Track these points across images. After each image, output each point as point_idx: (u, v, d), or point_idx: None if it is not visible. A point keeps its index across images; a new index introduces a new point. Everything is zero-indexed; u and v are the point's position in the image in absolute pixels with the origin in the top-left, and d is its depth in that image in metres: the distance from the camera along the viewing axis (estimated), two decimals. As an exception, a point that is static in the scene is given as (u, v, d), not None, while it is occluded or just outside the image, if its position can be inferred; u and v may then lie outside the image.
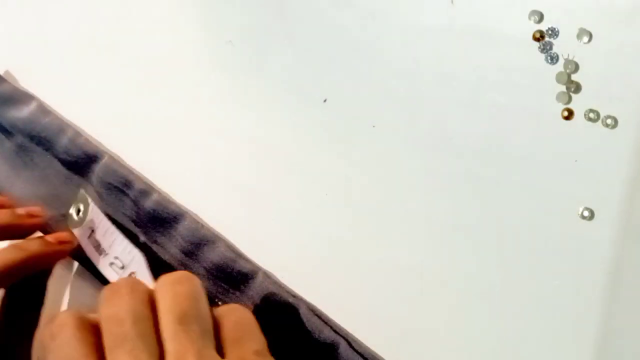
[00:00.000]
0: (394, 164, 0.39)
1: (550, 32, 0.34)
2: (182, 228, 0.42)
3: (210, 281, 0.41)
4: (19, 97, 0.49)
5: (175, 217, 0.43)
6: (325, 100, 0.40)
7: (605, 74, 0.33)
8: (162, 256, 0.43)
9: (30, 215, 0.45)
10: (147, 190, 0.44)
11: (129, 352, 0.32)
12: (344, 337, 0.37)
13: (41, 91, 0.50)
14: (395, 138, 0.39)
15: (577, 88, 0.34)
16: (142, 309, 0.34)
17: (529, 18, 0.35)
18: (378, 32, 0.39)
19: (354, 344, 0.37)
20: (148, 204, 0.43)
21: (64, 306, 0.46)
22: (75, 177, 0.47)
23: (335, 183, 0.40)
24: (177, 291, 0.35)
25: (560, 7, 0.34)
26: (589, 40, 0.34)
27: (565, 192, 0.35)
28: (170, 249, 0.43)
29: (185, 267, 0.42)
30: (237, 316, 0.36)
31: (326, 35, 0.40)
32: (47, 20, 0.51)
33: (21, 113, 0.48)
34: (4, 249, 0.43)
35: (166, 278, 0.35)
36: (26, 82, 0.51)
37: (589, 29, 0.34)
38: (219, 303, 0.41)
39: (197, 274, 0.40)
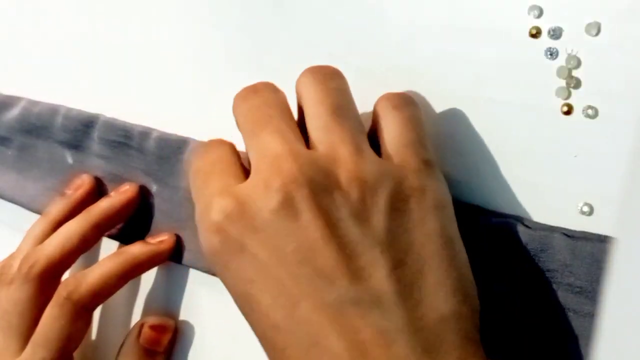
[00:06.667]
0: (394, 158, 0.39)
1: (551, 32, 0.34)
2: (189, 154, 0.43)
3: None
4: (6, 101, 0.51)
5: (179, 147, 0.43)
6: (323, 94, 0.40)
7: (605, 69, 0.33)
8: (177, 198, 0.43)
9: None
10: (146, 131, 0.44)
11: (272, 131, 0.30)
12: None
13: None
14: (395, 132, 0.39)
15: (577, 84, 0.34)
16: (284, 101, 0.32)
17: (529, 13, 0.34)
18: (376, 27, 0.38)
19: None
20: (150, 143, 0.44)
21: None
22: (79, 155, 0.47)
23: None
24: (328, 85, 0.32)
25: (560, 1, 0.34)
26: (592, 36, 0.33)
27: (565, 188, 0.35)
28: (184, 183, 0.43)
29: None
30: (406, 115, 0.32)
31: (324, 30, 0.40)
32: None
33: (12, 113, 0.50)
34: (106, 259, 0.41)
35: (313, 71, 0.33)
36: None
37: (590, 24, 0.33)
38: None
39: None
